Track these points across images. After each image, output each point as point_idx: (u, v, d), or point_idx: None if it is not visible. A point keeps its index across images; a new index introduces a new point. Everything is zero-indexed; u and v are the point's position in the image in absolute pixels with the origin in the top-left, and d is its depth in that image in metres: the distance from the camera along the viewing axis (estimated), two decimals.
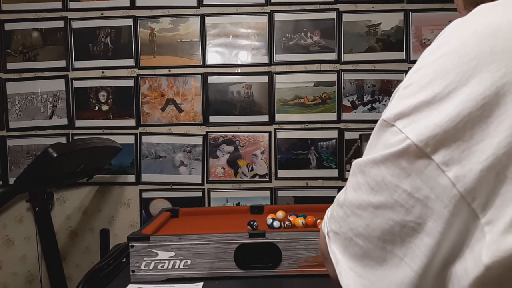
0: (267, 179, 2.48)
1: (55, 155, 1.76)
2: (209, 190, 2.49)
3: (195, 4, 2.46)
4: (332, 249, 0.56)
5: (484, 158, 0.39)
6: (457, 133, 0.41)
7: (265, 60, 2.46)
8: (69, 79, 2.50)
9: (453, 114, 0.41)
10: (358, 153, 2.46)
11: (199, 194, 2.49)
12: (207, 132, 2.49)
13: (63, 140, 2.49)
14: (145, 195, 2.51)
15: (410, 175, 0.44)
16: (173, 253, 1.24)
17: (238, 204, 2.46)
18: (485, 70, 0.40)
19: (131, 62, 2.49)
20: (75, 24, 2.50)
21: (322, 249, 0.62)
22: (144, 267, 1.24)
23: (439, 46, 0.46)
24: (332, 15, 2.45)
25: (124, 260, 1.44)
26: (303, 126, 2.47)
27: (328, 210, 0.62)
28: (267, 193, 2.47)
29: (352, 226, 0.51)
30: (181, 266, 1.25)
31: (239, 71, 2.48)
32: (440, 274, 0.43)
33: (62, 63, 2.50)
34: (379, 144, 0.49)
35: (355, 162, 0.52)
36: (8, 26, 2.50)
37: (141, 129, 2.51)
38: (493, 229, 0.38)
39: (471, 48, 0.42)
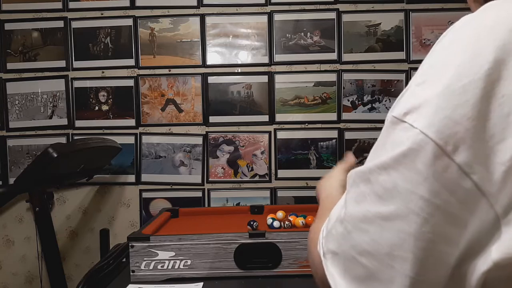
0: (267, 179, 2.48)
1: (55, 155, 1.76)
2: (209, 190, 2.49)
3: (195, 4, 2.46)
4: (330, 272, 0.48)
5: (507, 159, 0.37)
6: (478, 132, 0.38)
7: (265, 60, 2.46)
8: (69, 79, 2.50)
9: (473, 112, 0.38)
10: (358, 153, 2.45)
11: (199, 194, 2.49)
12: (207, 132, 2.49)
13: (63, 140, 2.49)
14: (145, 195, 2.51)
15: (427, 179, 0.39)
16: (173, 253, 1.24)
17: (238, 204, 2.46)
18: (502, 67, 0.39)
19: (131, 62, 2.49)
20: (75, 24, 2.50)
21: (318, 273, 0.53)
22: (144, 267, 1.24)
23: (452, 41, 0.44)
24: (332, 15, 2.45)
25: (124, 260, 1.44)
26: (303, 126, 2.47)
27: (323, 228, 0.54)
28: (267, 193, 2.47)
29: (355, 243, 0.45)
30: (181, 266, 1.25)
31: (239, 71, 2.48)
32: (452, 274, 0.41)
33: (62, 63, 2.50)
34: (388, 144, 0.43)
35: (355, 171, 0.47)
36: (8, 26, 2.50)
37: (141, 129, 2.51)
38: (510, 229, 0.37)
39: (486, 44, 0.40)
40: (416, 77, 0.45)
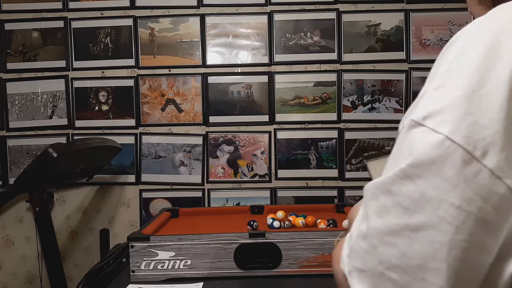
0: (267, 179, 2.48)
1: (55, 155, 1.76)
2: (209, 190, 2.49)
3: (195, 4, 2.46)
4: None
5: None
6: (508, 134, 0.37)
7: (265, 60, 2.46)
8: (69, 79, 2.50)
9: (501, 114, 0.38)
10: (359, 153, 2.46)
11: (199, 194, 2.49)
12: (207, 132, 2.49)
13: (63, 140, 2.49)
14: (145, 195, 2.51)
15: (458, 186, 0.38)
16: (173, 253, 1.24)
17: (238, 204, 2.46)
18: None
19: (131, 62, 2.49)
20: (75, 24, 2.50)
21: None
22: (144, 267, 1.24)
23: (468, 44, 0.43)
24: (332, 15, 2.45)
25: (124, 260, 1.44)
26: (303, 126, 2.47)
27: (345, 246, 0.51)
28: (267, 193, 2.47)
29: (383, 258, 0.43)
30: (181, 266, 1.25)
31: (239, 71, 2.48)
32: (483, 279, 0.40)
33: (62, 63, 2.50)
34: (405, 150, 0.42)
35: (373, 183, 0.45)
36: (8, 26, 2.50)
37: (141, 129, 2.51)
38: None
39: (506, 46, 0.40)
40: (433, 81, 0.44)
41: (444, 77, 0.43)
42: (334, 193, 2.46)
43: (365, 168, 2.40)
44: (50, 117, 2.52)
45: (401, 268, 0.41)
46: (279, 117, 2.47)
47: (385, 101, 2.46)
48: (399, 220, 0.41)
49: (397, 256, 0.41)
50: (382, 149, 2.42)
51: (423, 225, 0.39)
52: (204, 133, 2.49)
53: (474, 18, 0.52)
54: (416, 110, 0.43)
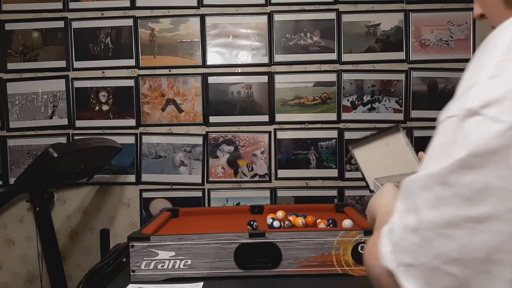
0: (267, 179, 2.48)
1: (55, 155, 1.76)
2: (209, 190, 2.49)
3: (195, 4, 2.47)
4: (406, 286, 0.44)
5: None
6: None
7: (265, 60, 2.46)
8: (70, 79, 2.50)
9: None
10: None
11: (199, 194, 2.49)
12: (207, 132, 2.49)
13: (63, 140, 2.50)
14: (145, 195, 2.51)
15: None
16: (173, 253, 1.25)
17: (238, 204, 2.46)
18: None
19: (131, 62, 2.49)
20: (75, 24, 2.50)
21: None
22: (144, 267, 1.24)
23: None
24: (332, 15, 2.45)
25: (124, 260, 1.44)
26: (303, 126, 2.47)
27: (384, 242, 0.49)
28: (267, 193, 2.48)
29: (439, 252, 0.41)
30: (181, 266, 1.25)
31: (239, 71, 2.49)
32: None
33: (62, 63, 2.50)
34: (460, 140, 0.41)
35: (424, 175, 0.44)
36: (8, 26, 2.51)
37: (141, 129, 2.51)
38: None
39: None
40: (482, 70, 0.43)
41: (499, 66, 0.42)
42: (334, 193, 2.46)
43: None
44: (51, 117, 2.52)
45: (462, 261, 0.40)
46: (279, 117, 2.47)
47: (385, 101, 2.46)
48: (459, 212, 0.40)
49: (457, 249, 0.40)
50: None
51: (487, 216, 0.38)
52: (204, 133, 2.49)
53: (494, 26, 0.51)
54: (469, 99, 0.42)
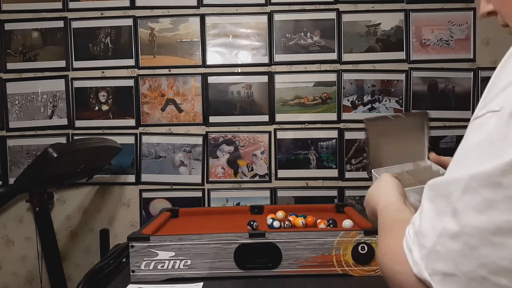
0: (267, 179, 2.48)
1: (55, 155, 1.76)
2: (209, 190, 2.49)
3: (195, 4, 2.46)
4: None
5: None
6: None
7: (265, 60, 2.46)
8: (69, 79, 2.50)
9: None
10: (359, 153, 2.46)
11: (199, 194, 2.49)
12: (207, 132, 2.49)
13: (63, 140, 2.49)
14: (145, 195, 2.51)
15: None
16: (173, 253, 1.24)
17: (238, 204, 2.46)
18: None
19: (131, 62, 2.49)
20: (75, 24, 2.50)
21: None
22: (144, 267, 1.24)
23: None
24: (332, 15, 2.45)
25: (124, 260, 1.43)
26: (303, 126, 2.47)
27: (411, 246, 0.45)
28: (267, 193, 2.47)
29: (486, 261, 0.38)
30: (181, 266, 1.24)
31: (239, 71, 2.48)
32: None
33: (62, 63, 2.50)
34: None
35: (469, 175, 0.40)
36: (8, 26, 2.50)
37: (141, 129, 2.51)
38: None
39: None
40: None
41: None
42: (334, 193, 2.46)
43: (364, 168, 2.40)
44: (50, 117, 2.52)
45: None
46: (279, 117, 2.47)
47: (385, 101, 2.46)
48: (511, 217, 0.36)
49: (508, 257, 0.36)
50: None
51: None
52: (204, 133, 2.49)
53: (507, 24, 0.50)
54: None
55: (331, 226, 1.42)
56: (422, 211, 0.45)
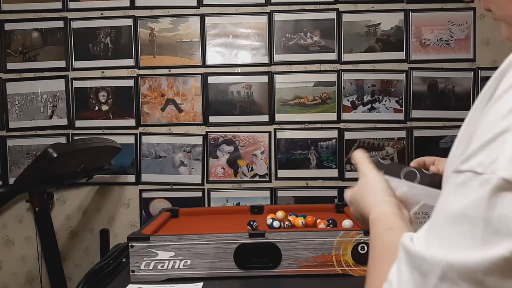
0: (267, 179, 2.48)
1: (55, 155, 1.76)
2: (209, 190, 2.49)
3: (195, 4, 2.46)
4: None
5: None
6: None
7: (265, 60, 2.46)
8: (69, 79, 2.50)
9: None
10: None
11: (199, 194, 2.49)
12: (207, 132, 2.49)
13: (63, 140, 2.49)
14: (145, 195, 2.51)
15: None
16: (173, 253, 1.24)
17: (238, 204, 2.46)
18: None
19: (131, 62, 2.49)
20: (75, 24, 2.50)
21: None
22: (144, 267, 1.24)
23: None
24: (332, 15, 2.45)
25: (124, 260, 1.43)
26: (303, 126, 2.47)
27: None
28: (267, 193, 2.47)
29: None
30: (181, 266, 1.24)
31: (239, 71, 2.48)
32: None
33: (62, 63, 2.50)
34: (496, 223, 0.32)
35: (446, 262, 0.34)
36: (8, 26, 2.50)
37: (141, 129, 2.51)
38: None
39: None
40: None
41: None
42: (334, 193, 2.46)
43: None
44: (50, 117, 2.52)
45: None
46: (279, 117, 2.47)
47: (385, 101, 2.46)
48: None
49: None
50: (382, 148, 2.42)
51: None
52: (204, 133, 2.49)
53: (497, 19, 0.49)
54: (504, 160, 0.32)
55: (331, 226, 1.42)
56: (400, 272, 0.40)
